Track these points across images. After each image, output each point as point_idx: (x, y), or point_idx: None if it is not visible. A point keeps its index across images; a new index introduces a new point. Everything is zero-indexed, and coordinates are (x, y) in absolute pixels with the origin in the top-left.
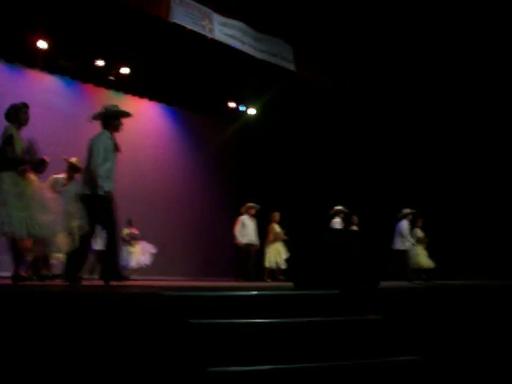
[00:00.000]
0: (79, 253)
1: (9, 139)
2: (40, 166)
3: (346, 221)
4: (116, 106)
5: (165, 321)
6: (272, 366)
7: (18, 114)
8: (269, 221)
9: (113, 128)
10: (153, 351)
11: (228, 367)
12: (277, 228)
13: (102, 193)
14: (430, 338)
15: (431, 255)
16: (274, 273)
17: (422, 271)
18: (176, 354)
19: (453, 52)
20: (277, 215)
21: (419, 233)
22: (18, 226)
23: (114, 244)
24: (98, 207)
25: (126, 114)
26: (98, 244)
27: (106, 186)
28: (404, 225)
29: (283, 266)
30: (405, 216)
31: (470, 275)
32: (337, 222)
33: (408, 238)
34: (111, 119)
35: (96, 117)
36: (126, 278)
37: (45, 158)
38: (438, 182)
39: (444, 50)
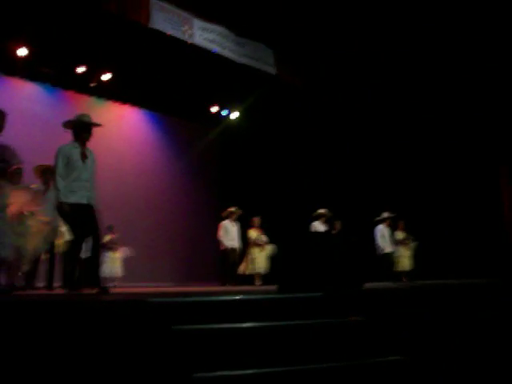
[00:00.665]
0: (69, 259)
1: None
2: (15, 175)
3: (328, 224)
4: (88, 116)
5: (149, 328)
6: (257, 370)
7: None
8: (249, 226)
9: (81, 139)
10: (137, 359)
11: (213, 372)
12: (253, 234)
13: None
14: (413, 339)
15: (415, 256)
16: (253, 278)
17: (403, 273)
18: (161, 360)
19: (436, 51)
20: (256, 220)
21: (400, 235)
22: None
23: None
24: (65, 215)
25: (93, 125)
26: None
27: (71, 198)
28: (379, 229)
29: (259, 271)
30: (383, 220)
31: (453, 275)
32: (317, 225)
33: (388, 242)
34: (79, 130)
35: (66, 125)
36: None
37: (19, 166)
38: (422, 185)
39: (426, 49)
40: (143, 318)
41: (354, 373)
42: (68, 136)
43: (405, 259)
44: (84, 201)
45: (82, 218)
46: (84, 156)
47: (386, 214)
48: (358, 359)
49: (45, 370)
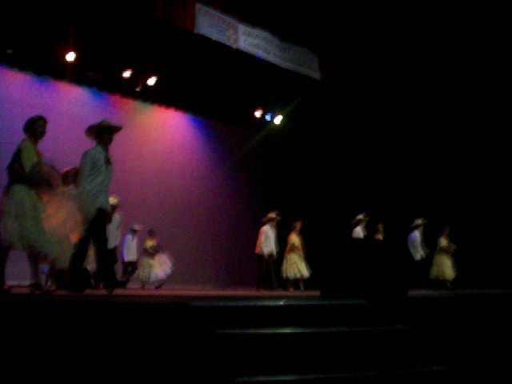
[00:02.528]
0: (76, 259)
1: (17, 154)
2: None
3: (369, 229)
4: (107, 121)
5: (192, 331)
6: (299, 376)
7: (33, 126)
8: (291, 230)
9: (104, 142)
10: (181, 362)
11: (256, 377)
12: (294, 239)
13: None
14: (458, 348)
15: (457, 263)
16: (297, 282)
17: (445, 281)
18: (204, 364)
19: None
20: (298, 225)
21: (443, 242)
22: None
23: (105, 255)
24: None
25: (115, 129)
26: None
27: (96, 201)
28: (414, 236)
29: (305, 275)
30: (416, 227)
31: (497, 284)
32: (358, 231)
33: (419, 249)
34: (102, 133)
35: (88, 132)
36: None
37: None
38: (466, 189)
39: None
40: (187, 321)
41: (399, 382)
42: (115, 139)
43: (447, 268)
44: (103, 206)
45: (97, 222)
46: (108, 161)
47: (419, 221)
48: (402, 368)
49: (87, 370)
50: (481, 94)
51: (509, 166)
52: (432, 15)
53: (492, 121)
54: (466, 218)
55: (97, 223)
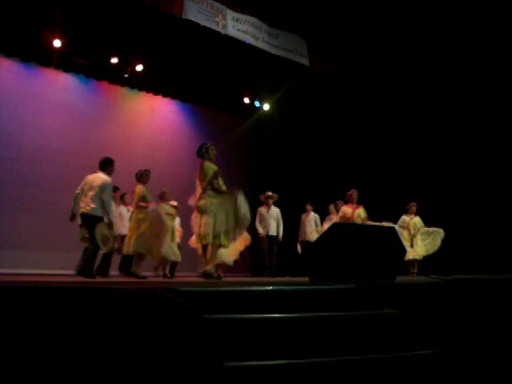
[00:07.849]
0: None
1: (215, 175)
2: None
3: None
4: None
5: (182, 316)
6: (288, 361)
7: (208, 151)
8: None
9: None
10: (169, 347)
11: (244, 362)
12: (346, 209)
13: None
14: (445, 332)
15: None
16: None
17: (413, 262)
18: (192, 349)
19: (457, 44)
20: (354, 194)
21: (406, 220)
22: None
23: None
24: None
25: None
26: None
27: None
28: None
29: None
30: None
31: (485, 269)
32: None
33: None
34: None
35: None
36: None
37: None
38: (448, 173)
39: (450, 42)
40: (176, 306)
41: (387, 366)
42: (102, 125)
43: (414, 246)
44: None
45: None
46: None
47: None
48: (390, 352)
49: (71, 358)
50: (467, 81)
51: (483, 153)
52: (421, 3)
53: (479, 104)
54: (444, 201)
55: None
